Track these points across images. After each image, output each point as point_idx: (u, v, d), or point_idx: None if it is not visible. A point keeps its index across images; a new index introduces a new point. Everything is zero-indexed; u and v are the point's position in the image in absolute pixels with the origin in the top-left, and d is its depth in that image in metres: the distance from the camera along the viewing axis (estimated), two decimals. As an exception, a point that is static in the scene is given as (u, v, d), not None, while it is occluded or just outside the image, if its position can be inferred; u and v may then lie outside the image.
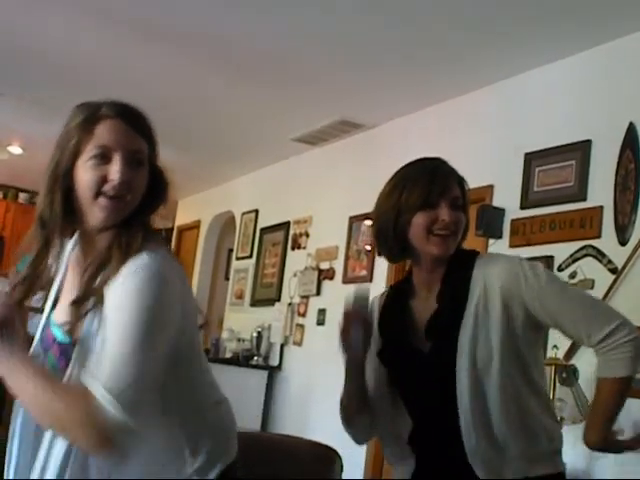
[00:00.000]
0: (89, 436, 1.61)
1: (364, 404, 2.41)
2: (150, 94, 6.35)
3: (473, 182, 5.37)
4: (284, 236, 7.40)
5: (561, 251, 4.35)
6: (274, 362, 7.06)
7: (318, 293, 6.68)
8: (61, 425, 1.64)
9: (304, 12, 4.59)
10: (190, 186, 8.84)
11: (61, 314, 1.84)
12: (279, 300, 7.24)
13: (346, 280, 6.37)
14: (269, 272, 7.63)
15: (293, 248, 7.26)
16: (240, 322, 7.84)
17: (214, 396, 1.94)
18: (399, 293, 2.37)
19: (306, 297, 6.81)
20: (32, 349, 1.91)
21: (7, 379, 1.69)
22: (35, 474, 1.74)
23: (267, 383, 6.96)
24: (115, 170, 1.76)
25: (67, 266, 1.92)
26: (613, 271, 4.06)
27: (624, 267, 4.00)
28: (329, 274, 6.58)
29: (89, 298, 1.75)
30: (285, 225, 7.41)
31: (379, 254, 2.37)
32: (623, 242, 4.05)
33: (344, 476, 3.52)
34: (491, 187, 4.96)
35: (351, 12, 4.51)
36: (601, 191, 4.23)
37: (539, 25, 4.35)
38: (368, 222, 6.20)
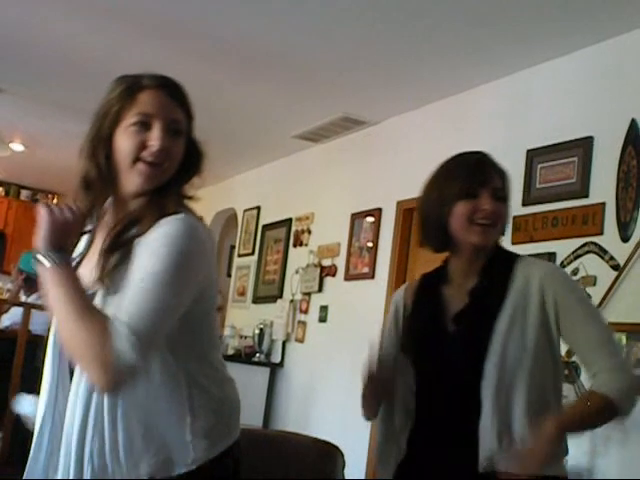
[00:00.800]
0: (100, 372, 1.64)
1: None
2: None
3: (475, 179, 5.29)
4: (286, 233, 7.41)
5: (563, 248, 4.35)
6: (276, 359, 7.06)
7: (320, 290, 6.68)
8: (80, 352, 1.68)
9: (306, 9, 4.58)
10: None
11: (85, 276, 1.84)
12: (281, 297, 7.24)
13: (348, 277, 6.37)
14: (271, 269, 7.63)
15: (295, 245, 7.26)
16: (242, 319, 7.85)
17: (221, 373, 1.95)
18: (431, 280, 2.41)
19: (308, 294, 6.81)
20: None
21: (50, 286, 1.73)
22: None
23: (269, 380, 6.96)
24: (155, 137, 1.81)
25: (95, 231, 1.94)
26: (615, 268, 4.06)
27: (626, 264, 4.00)
28: (331, 271, 6.58)
29: (119, 248, 1.78)
30: (287, 222, 7.41)
31: (422, 245, 2.41)
32: (625, 239, 4.05)
33: (346, 472, 3.53)
34: (493, 184, 4.95)
35: (353, 9, 4.50)
36: (603, 188, 4.23)
37: (541, 22, 4.34)
38: (370, 219, 6.20)
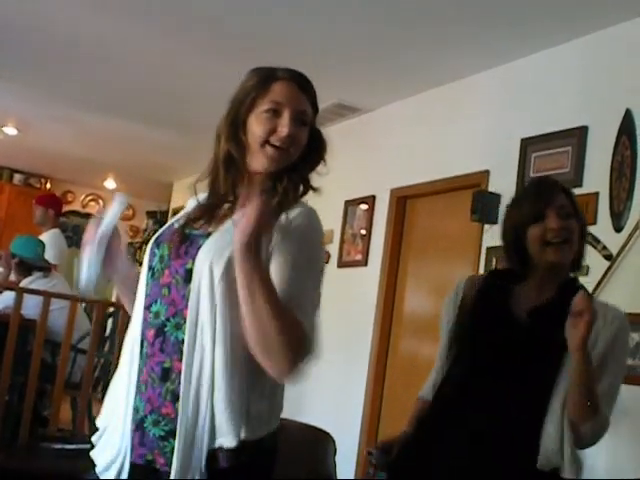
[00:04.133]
0: (289, 361, 1.83)
1: None
2: (150, 78, 6.34)
3: (469, 167, 5.40)
4: (279, 219, 7.39)
5: (556, 237, 4.35)
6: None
7: (313, 277, 6.67)
8: (269, 341, 1.81)
9: (301, -5, 4.58)
10: (187, 168, 8.83)
11: (200, 227, 2.02)
12: (274, 283, 7.23)
13: (341, 264, 6.38)
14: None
15: (288, 232, 7.25)
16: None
17: None
18: (501, 275, 2.55)
19: (301, 281, 6.81)
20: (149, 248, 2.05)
21: (244, 279, 1.81)
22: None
23: (261, 366, 6.97)
24: (284, 124, 2.00)
25: (218, 201, 2.09)
26: (608, 257, 4.06)
27: (619, 254, 4.01)
28: (324, 258, 6.57)
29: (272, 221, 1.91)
30: (281, 208, 7.39)
31: (513, 267, 2.52)
32: (618, 229, 4.06)
33: (337, 458, 3.54)
34: (487, 172, 4.95)
35: (349, -5, 4.50)
36: (597, 177, 4.24)
37: (536, 11, 4.33)
38: (364, 206, 6.20)
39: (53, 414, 5.50)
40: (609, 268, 4.03)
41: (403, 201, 5.84)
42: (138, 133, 7.98)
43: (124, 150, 9.05)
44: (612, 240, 4.07)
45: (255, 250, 1.80)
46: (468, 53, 5.04)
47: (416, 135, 5.78)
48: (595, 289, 4.04)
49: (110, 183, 11.13)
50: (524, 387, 2.28)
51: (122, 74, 6.30)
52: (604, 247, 4.10)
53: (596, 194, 4.21)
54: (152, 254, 2.01)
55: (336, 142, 7.14)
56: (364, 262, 6.08)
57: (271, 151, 2.01)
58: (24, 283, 6.02)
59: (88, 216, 12.13)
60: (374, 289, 5.84)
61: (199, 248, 1.92)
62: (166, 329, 1.91)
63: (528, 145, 4.68)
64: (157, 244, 2.02)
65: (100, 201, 11.94)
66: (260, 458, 1.93)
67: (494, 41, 4.80)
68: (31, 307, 5.46)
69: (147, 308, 1.96)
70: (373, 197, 6.09)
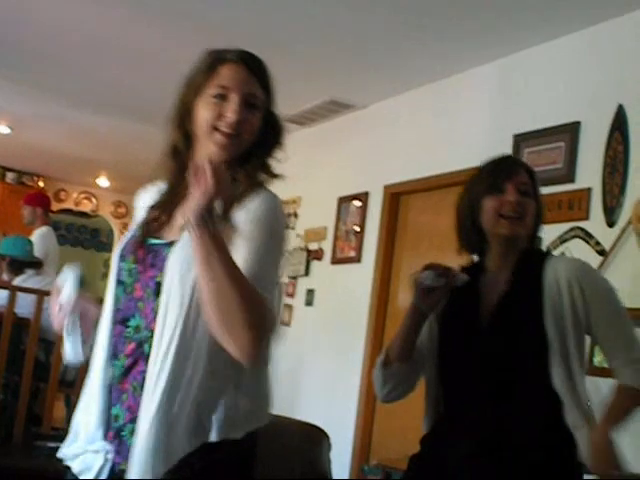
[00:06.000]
0: (253, 339, 1.72)
1: (407, 356, 2.44)
2: (141, 74, 6.33)
3: (462, 164, 5.39)
4: (273, 217, 7.39)
5: (549, 233, 4.35)
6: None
7: (307, 274, 6.68)
8: (231, 317, 1.71)
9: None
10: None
11: (160, 232, 1.95)
12: (268, 280, 7.22)
13: (335, 261, 6.38)
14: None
15: (282, 229, 7.25)
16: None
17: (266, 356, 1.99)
18: (468, 271, 2.45)
19: (294, 277, 6.82)
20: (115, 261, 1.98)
21: (201, 252, 1.73)
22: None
23: (255, 363, 6.97)
24: (231, 109, 1.91)
25: (171, 196, 2.00)
26: (601, 253, 4.07)
27: (612, 249, 4.02)
28: (318, 255, 6.58)
29: (227, 215, 1.84)
30: (274, 205, 7.39)
31: (460, 252, 2.49)
32: (611, 224, 4.07)
33: (332, 455, 3.54)
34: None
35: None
36: (590, 173, 4.24)
37: (528, 7, 4.34)
38: (357, 203, 6.20)
39: (47, 412, 5.50)
40: (602, 263, 4.04)
41: (396, 197, 5.84)
42: (131, 131, 7.96)
43: (117, 148, 9.03)
44: (605, 235, 4.08)
45: (211, 221, 1.72)
46: (460, 49, 5.04)
47: (409, 132, 5.78)
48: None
49: (103, 181, 11.12)
50: (524, 401, 2.25)
51: (115, 72, 6.29)
52: (597, 242, 4.11)
53: (589, 189, 4.21)
54: (119, 268, 1.96)
55: (329, 139, 7.15)
56: (357, 259, 6.08)
57: (220, 138, 1.91)
58: (17, 282, 6.01)
59: (81, 214, 12.14)
60: (368, 286, 5.84)
61: (165, 259, 1.85)
62: (144, 343, 1.86)
63: (521, 141, 4.69)
64: (122, 257, 1.96)
65: (93, 199, 11.91)
66: (235, 457, 1.89)
67: (486, 37, 4.80)
68: (24, 306, 5.45)
69: (122, 322, 1.91)
70: (366, 194, 6.09)
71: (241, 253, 1.80)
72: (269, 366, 1.96)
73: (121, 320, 1.92)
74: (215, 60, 1.97)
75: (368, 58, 5.38)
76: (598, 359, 3.83)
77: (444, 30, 4.78)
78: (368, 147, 6.21)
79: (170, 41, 5.47)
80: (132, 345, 1.88)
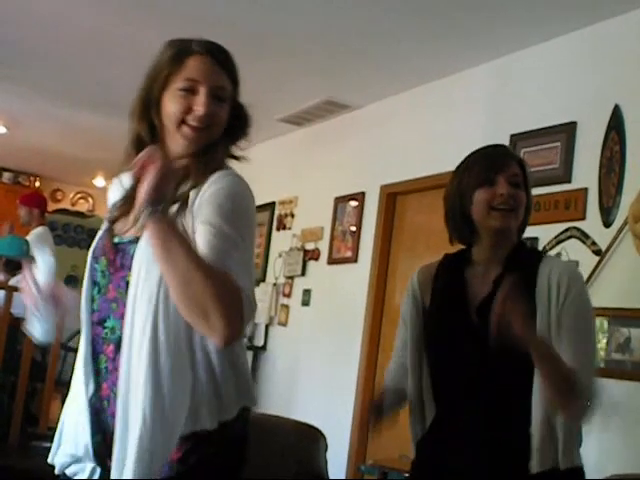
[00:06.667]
0: (228, 318, 1.69)
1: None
2: (138, 74, 6.32)
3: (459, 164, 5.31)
4: (269, 217, 7.40)
5: (546, 233, 4.36)
6: (259, 342, 7.07)
7: (303, 274, 6.69)
8: (202, 300, 1.68)
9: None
10: (175, 166, 8.79)
11: (126, 227, 1.92)
12: (264, 280, 7.24)
13: (331, 261, 6.38)
14: (254, 252, 7.61)
15: (278, 229, 7.26)
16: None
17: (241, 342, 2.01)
18: (453, 263, 2.43)
19: (291, 278, 6.82)
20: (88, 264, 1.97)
21: (158, 240, 1.72)
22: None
23: (252, 363, 6.96)
24: (200, 102, 1.89)
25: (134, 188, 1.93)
26: (597, 253, 4.07)
27: (608, 249, 4.02)
28: (314, 255, 6.58)
29: (175, 203, 1.83)
30: (270, 206, 7.40)
31: (451, 240, 2.45)
32: (607, 224, 4.07)
33: (329, 455, 3.54)
34: (476, 168, 4.96)
35: (338, -8, 4.49)
36: (586, 173, 4.24)
37: (524, 7, 4.34)
38: (353, 203, 6.20)
39: (43, 412, 5.50)
40: (598, 263, 4.04)
41: (393, 197, 5.84)
42: (127, 131, 7.95)
43: (113, 148, 8.98)
44: (601, 235, 4.08)
45: (162, 206, 1.72)
46: (457, 49, 5.04)
47: (405, 132, 5.78)
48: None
49: (99, 181, 11.10)
50: (503, 408, 2.22)
51: (112, 71, 6.28)
52: (593, 242, 4.11)
53: (585, 189, 4.22)
54: (93, 269, 1.95)
55: (326, 139, 7.16)
56: (354, 259, 6.08)
57: (188, 131, 1.90)
58: (13, 282, 6.01)
59: (77, 214, 12.12)
60: (364, 286, 5.84)
61: (132, 257, 1.84)
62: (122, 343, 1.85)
63: (517, 141, 4.69)
64: (95, 259, 1.95)
65: (89, 199, 11.90)
66: (225, 448, 1.88)
67: (483, 37, 4.80)
68: (21, 306, 5.43)
69: (99, 324, 1.91)
70: (363, 194, 6.09)
71: (202, 236, 1.78)
72: (244, 345, 1.99)
73: (98, 321, 1.92)
74: (181, 51, 1.95)
75: (365, 58, 5.38)
76: (597, 359, 3.83)
77: (441, 30, 4.78)
78: (365, 147, 6.21)
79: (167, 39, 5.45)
80: (111, 347, 1.88)
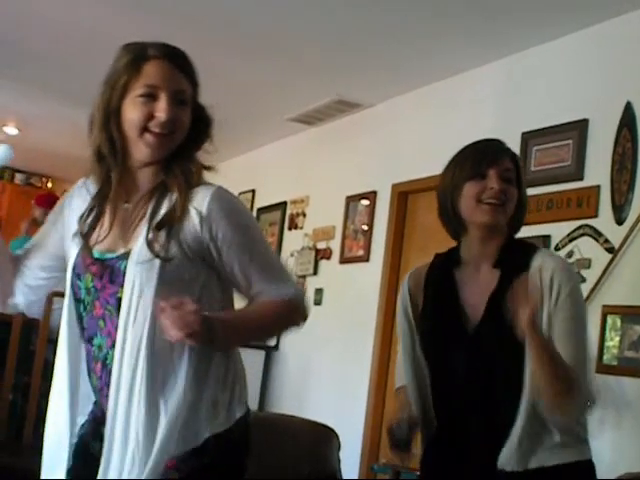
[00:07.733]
0: (302, 313, 2.16)
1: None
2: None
3: (470, 161, 5.25)
4: (281, 216, 7.40)
5: (558, 230, 4.35)
6: (271, 342, 7.07)
7: (315, 273, 6.68)
8: (285, 324, 2.20)
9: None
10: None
11: (105, 243, 1.90)
12: (276, 280, 7.22)
13: (343, 260, 6.37)
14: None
15: (290, 228, 7.26)
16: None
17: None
18: (444, 264, 2.41)
19: (303, 277, 6.81)
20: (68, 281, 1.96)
21: (237, 339, 1.99)
22: None
23: (264, 363, 6.97)
24: (162, 108, 1.85)
25: (103, 202, 1.94)
26: (610, 250, 4.06)
27: (621, 246, 4.01)
28: (326, 254, 6.58)
29: (171, 223, 1.84)
30: (282, 205, 7.40)
31: (449, 234, 2.43)
32: (620, 221, 4.05)
33: (341, 454, 3.54)
34: (488, 166, 4.95)
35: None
36: (598, 170, 4.23)
37: (535, 4, 4.33)
38: (365, 201, 6.19)
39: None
40: (611, 261, 4.03)
41: (404, 196, 5.84)
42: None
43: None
44: (614, 233, 4.07)
45: (213, 334, 1.78)
46: (468, 47, 5.03)
47: (417, 130, 5.77)
48: (597, 282, 4.04)
49: (111, 182, 11.14)
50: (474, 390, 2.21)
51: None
52: (606, 240, 4.10)
53: (597, 187, 4.20)
54: (76, 287, 1.92)
55: (337, 138, 7.17)
56: (366, 258, 6.08)
57: (151, 139, 1.86)
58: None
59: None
60: (376, 284, 5.84)
61: (124, 274, 1.82)
62: (107, 361, 1.85)
63: (529, 139, 4.68)
64: (77, 275, 1.92)
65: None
66: (220, 458, 1.87)
67: (494, 35, 4.79)
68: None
69: (89, 341, 1.90)
70: (374, 192, 6.08)
71: (238, 263, 1.89)
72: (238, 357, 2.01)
73: (88, 339, 1.91)
74: (137, 57, 1.90)
75: (375, 57, 5.38)
76: (607, 357, 3.82)
77: (450, 28, 4.78)
78: (376, 146, 6.20)
79: (175, 42, 5.45)
80: (99, 364, 1.88)
